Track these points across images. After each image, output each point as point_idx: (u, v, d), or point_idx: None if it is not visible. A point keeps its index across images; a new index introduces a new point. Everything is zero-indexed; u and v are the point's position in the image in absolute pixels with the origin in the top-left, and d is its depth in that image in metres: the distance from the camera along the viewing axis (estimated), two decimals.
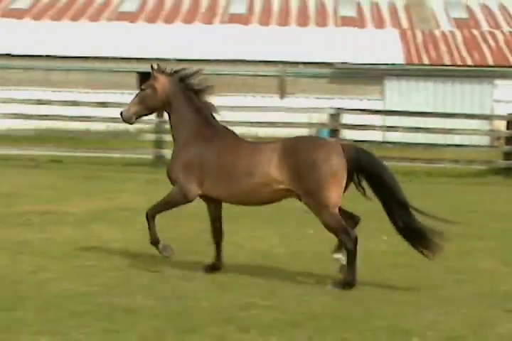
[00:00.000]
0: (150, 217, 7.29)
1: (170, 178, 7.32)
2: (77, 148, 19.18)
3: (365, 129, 18.88)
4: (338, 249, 6.98)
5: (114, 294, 6.39)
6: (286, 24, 35.06)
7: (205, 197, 7.31)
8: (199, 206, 7.60)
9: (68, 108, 20.51)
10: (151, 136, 19.27)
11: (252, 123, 19.97)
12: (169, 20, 35.61)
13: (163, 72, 7.50)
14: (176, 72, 7.48)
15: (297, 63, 31.41)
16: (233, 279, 7.09)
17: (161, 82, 7.43)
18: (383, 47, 32.00)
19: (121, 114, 7.55)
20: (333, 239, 7.05)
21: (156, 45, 32.27)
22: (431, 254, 6.91)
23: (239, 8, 36.36)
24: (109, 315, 5.75)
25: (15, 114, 19.45)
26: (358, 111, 20.44)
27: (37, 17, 35.31)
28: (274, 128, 21.44)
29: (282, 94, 31.28)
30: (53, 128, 22.31)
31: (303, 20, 35.34)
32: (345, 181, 6.84)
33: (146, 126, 20.23)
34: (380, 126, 21.39)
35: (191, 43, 32.48)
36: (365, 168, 6.91)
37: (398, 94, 30.89)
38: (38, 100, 21.54)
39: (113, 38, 32.95)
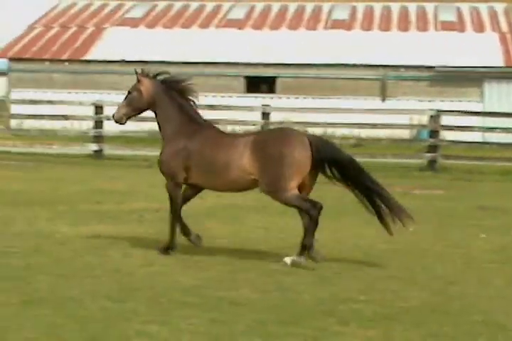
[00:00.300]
0: (174, 221, 8.05)
1: (161, 171, 8.13)
2: None
3: (464, 130, 19.00)
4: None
5: (220, 287, 6.61)
6: (388, 29, 34.96)
7: (191, 185, 8.03)
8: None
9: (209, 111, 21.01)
10: None
11: (354, 125, 20.19)
12: (275, 26, 35.95)
13: (147, 75, 8.15)
14: (157, 74, 8.18)
15: (398, 67, 31.43)
16: (334, 274, 7.23)
17: (146, 85, 8.11)
18: (483, 50, 31.79)
19: (113, 116, 8.39)
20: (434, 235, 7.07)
21: (262, 50, 32.68)
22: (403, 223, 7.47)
23: (341, 14, 36.46)
24: (216, 307, 5.96)
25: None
26: (458, 113, 20.41)
27: (150, 25, 36.27)
28: (376, 130, 21.57)
29: (384, 96, 31.31)
30: None
31: (404, 25, 35.21)
32: (308, 170, 7.43)
33: (253, 128, 20.54)
34: (479, 127, 21.31)
35: (296, 48, 32.78)
36: (330, 158, 7.49)
37: (497, 96, 30.54)
38: None
39: (221, 44, 33.53)
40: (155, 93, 8.13)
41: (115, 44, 34.01)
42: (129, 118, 8.32)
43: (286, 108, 23.56)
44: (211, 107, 19.70)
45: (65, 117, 20.76)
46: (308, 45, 33.04)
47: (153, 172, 16.43)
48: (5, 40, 36.19)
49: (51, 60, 33.55)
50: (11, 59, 34.01)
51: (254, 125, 20.23)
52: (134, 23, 36.39)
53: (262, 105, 20.35)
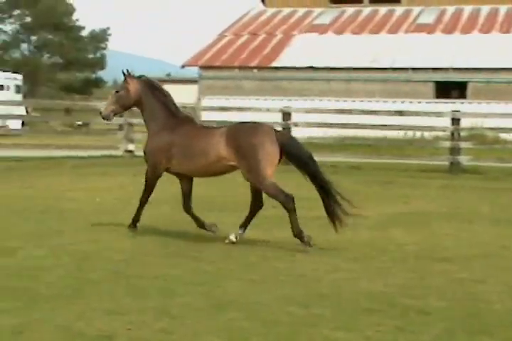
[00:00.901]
0: (142, 202, 9.12)
1: (145, 160, 9.11)
2: (375, 155, 19.54)
3: None
4: (244, 226, 8.78)
5: (407, 295, 6.49)
6: None
7: (176, 174, 9.04)
8: None
9: (367, 117, 20.91)
10: (447, 144, 19.14)
11: None
12: (466, 30, 35.08)
13: (133, 76, 9.22)
14: (141, 76, 9.28)
15: None
16: None
17: (133, 85, 9.12)
18: None
19: (100, 113, 9.36)
20: None
21: (452, 54, 31.97)
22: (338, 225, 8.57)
23: None
24: (403, 315, 5.85)
25: (317, 122, 20.24)
26: None
27: (339, 31, 36.38)
28: None
29: None
30: (352, 136, 22.88)
31: None
32: (277, 160, 8.48)
33: (442, 134, 20.19)
34: None
35: (488, 52, 31.88)
36: (292, 150, 8.55)
37: None
38: (339, 109, 22.15)
39: (410, 49, 33.10)
40: (141, 92, 9.15)
41: (303, 51, 34.38)
42: (115, 115, 9.37)
43: (477, 113, 22.94)
44: (399, 113, 19.55)
45: None
46: (501, 48, 32.00)
47: (339, 178, 16.54)
48: (196, 48, 37.45)
49: (240, 68, 34.37)
50: (202, 67, 35.14)
51: (443, 131, 19.84)
52: (322, 29, 36.65)
53: (452, 111, 19.91)
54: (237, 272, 7.29)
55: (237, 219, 9.05)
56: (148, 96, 9.15)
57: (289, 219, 8.41)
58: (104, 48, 68.30)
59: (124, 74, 9.23)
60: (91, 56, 67.62)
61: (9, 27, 67.05)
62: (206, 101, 32.80)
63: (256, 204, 8.83)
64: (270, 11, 39.97)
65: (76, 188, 13.57)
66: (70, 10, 67.14)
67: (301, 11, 39.16)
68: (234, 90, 33.75)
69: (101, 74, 70.15)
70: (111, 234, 9.10)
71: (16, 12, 66.65)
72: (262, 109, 22.87)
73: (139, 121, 20.93)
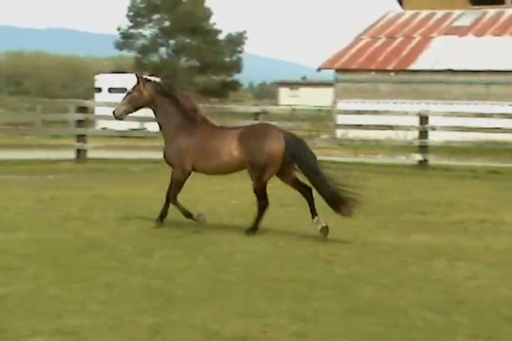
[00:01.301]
0: (173, 201, 9.69)
1: (168, 162, 9.78)
2: None
3: None
4: (313, 213, 9.20)
5: None
6: None
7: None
8: None
9: (507, 120, 20.28)
10: None
11: None
12: None
13: (146, 79, 9.91)
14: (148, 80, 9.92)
15: None
16: None
17: (145, 86, 9.77)
18: None
19: (113, 112, 9.91)
20: None
21: None
22: (346, 213, 9.11)
23: None
24: None
25: (455, 126, 19.80)
26: None
27: (479, 33, 35.48)
28: None
29: None
30: (492, 141, 22.26)
31: None
32: (281, 160, 9.19)
33: None
34: None
35: None
36: (297, 151, 9.19)
37: None
38: (479, 113, 21.57)
39: None
40: (153, 93, 9.78)
41: (442, 53, 33.72)
42: (126, 114, 9.95)
43: None
44: None
45: (391, 127, 20.92)
46: None
47: (478, 183, 16.23)
48: (332, 51, 37.36)
49: (377, 71, 34.06)
50: (338, 70, 35.02)
51: None
52: (461, 31, 35.85)
53: None
54: (372, 276, 7.20)
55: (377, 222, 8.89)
56: (161, 98, 9.78)
57: (256, 211, 9.34)
58: (241, 52, 69.17)
59: (137, 76, 9.88)
60: (227, 59, 68.63)
61: (148, 31, 68.95)
62: (342, 105, 32.67)
63: (305, 193, 9.41)
64: (408, 13, 39.45)
65: (213, 190, 13.76)
66: (208, 14, 68.42)
67: (440, 13, 38.45)
68: (370, 93, 33.47)
69: (237, 77, 71.11)
70: (246, 236, 9.17)
71: (155, 16, 68.46)
72: (399, 112, 22.58)
73: (274, 124, 21.15)
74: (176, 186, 9.73)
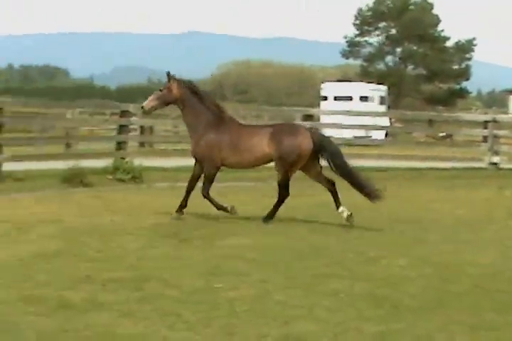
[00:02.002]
0: (206, 194, 10.44)
1: (197, 158, 10.49)
2: None
3: None
4: (338, 204, 10.39)
5: None
6: None
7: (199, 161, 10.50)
8: None
9: None
10: None
11: None
12: None
13: (176, 78, 10.54)
14: (183, 80, 10.61)
15: None
16: None
17: (175, 85, 10.45)
18: None
19: (142, 107, 10.71)
20: None
21: None
22: (374, 199, 10.44)
23: None
24: None
25: None
26: None
27: None
28: None
29: None
30: None
31: None
32: (308, 157, 10.20)
33: None
34: None
35: None
36: (325, 147, 10.30)
37: None
38: None
39: None
40: (182, 92, 10.45)
41: None
42: (155, 110, 10.72)
43: None
44: None
45: None
46: None
47: None
48: None
49: None
50: None
51: None
52: None
53: None
54: None
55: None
56: (190, 96, 10.49)
57: (274, 204, 10.30)
58: (470, 59, 67.41)
59: (167, 75, 10.58)
60: (455, 67, 67.11)
61: (375, 39, 68.93)
62: None
63: (328, 185, 10.47)
64: None
65: (438, 199, 13.49)
66: (436, 21, 67.28)
67: None
68: None
69: (465, 84, 69.33)
70: (472, 246, 8.90)
71: (382, 24, 68.29)
72: None
73: (504, 132, 20.43)
74: (207, 179, 10.46)
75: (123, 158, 16.03)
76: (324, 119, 27.39)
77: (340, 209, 10.34)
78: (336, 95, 38.23)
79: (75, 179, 14.24)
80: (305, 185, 13.75)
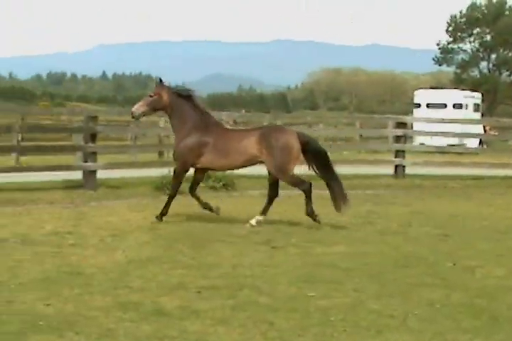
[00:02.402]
0: (171, 195, 10.80)
1: (175, 159, 10.91)
2: None
3: None
4: (264, 212, 10.63)
5: None
6: None
7: (198, 169, 10.91)
8: None
9: None
10: None
11: None
12: None
13: (165, 85, 10.90)
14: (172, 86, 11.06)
15: None
16: None
17: (165, 91, 10.80)
18: None
19: (132, 112, 10.85)
20: None
21: None
22: (339, 206, 10.62)
23: None
24: None
25: None
26: None
27: None
28: None
29: None
30: None
31: None
32: (300, 157, 10.51)
33: None
34: None
35: None
36: (311, 147, 10.62)
37: None
38: None
39: None
40: (171, 98, 10.78)
41: None
42: (144, 115, 11.04)
43: None
44: None
45: None
46: None
47: None
48: None
49: None
50: None
51: None
52: None
53: None
54: None
55: None
56: (178, 101, 10.79)
57: (305, 200, 10.46)
58: None
59: (157, 81, 11.00)
60: None
61: (468, 46, 67.83)
62: None
63: (272, 194, 10.67)
64: None
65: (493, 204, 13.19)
66: None
67: None
68: None
69: None
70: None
71: (476, 30, 67.16)
72: None
73: None
74: (175, 181, 10.82)
75: None
76: (417, 127, 27.06)
77: (262, 217, 10.58)
78: (429, 102, 37.69)
79: (167, 186, 14.42)
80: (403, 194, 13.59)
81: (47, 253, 8.26)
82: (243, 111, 35.30)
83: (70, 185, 14.82)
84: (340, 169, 18.36)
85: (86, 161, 15.01)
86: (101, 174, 15.01)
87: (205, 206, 10.92)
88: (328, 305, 6.36)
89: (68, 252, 8.39)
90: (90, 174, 14.84)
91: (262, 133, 10.56)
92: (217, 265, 7.85)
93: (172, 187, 10.97)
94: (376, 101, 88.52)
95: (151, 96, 10.94)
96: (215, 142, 10.65)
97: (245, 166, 10.99)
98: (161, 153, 24.48)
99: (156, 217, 10.70)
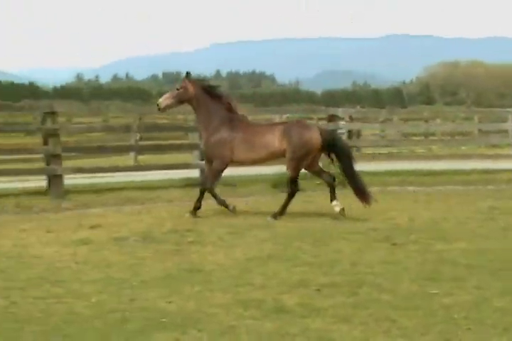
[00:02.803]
0: (211, 189, 11.11)
1: (208, 155, 11.11)
2: None
3: None
4: (333, 198, 10.88)
5: None
6: None
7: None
8: None
9: None
10: None
11: None
12: None
13: (192, 78, 11.12)
14: (198, 80, 11.28)
15: None
16: None
17: (191, 85, 11.04)
18: None
19: (157, 104, 11.13)
20: None
21: None
22: (365, 203, 10.86)
23: None
24: None
25: None
26: None
27: None
28: None
29: None
30: None
31: None
32: (316, 152, 10.84)
33: None
34: None
35: None
36: (334, 144, 10.87)
37: None
38: None
39: None
40: (198, 92, 11.02)
41: None
42: (170, 108, 11.24)
43: None
44: None
45: None
46: None
47: None
48: None
49: None
50: None
51: None
52: None
53: None
54: None
55: None
56: (204, 96, 11.01)
57: (285, 199, 10.82)
58: None
59: (186, 74, 11.13)
60: None
61: None
62: None
63: (327, 179, 11.04)
64: None
65: None
66: None
67: None
68: None
69: None
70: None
71: None
72: None
73: None
74: (213, 176, 11.08)
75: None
76: None
77: (334, 202, 10.87)
78: None
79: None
80: None
81: (167, 251, 8.41)
82: (358, 106, 35.01)
83: (188, 183, 15.06)
84: (458, 164, 18.26)
85: (203, 159, 15.20)
86: None
87: (222, 203, 11.21)
88: (451, 302, 6.21)
89: (188, 250, 8.52)
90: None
91: (286, 128, 10.85)
92: (337, 262, 7.80)
93: (209, 183, 11.17)
94: (495, 94, 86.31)
95: (177, 89, 11.18)
96: (243, 136, 10.93)
97: (270, 160, 11.23)
98: None
99: (190, 213, 11.04)
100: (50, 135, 13.29)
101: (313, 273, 7.30)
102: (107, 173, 15.70)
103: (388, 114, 27.75)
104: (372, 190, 13.99)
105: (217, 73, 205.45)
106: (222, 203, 11.21)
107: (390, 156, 21.55)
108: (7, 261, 7.92)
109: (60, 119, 16.74)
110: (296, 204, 11.21)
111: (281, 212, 10.81)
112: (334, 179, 11.09)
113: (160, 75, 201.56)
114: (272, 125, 11.50)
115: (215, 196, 11.25)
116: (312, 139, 10.75)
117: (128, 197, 13.35)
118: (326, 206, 11.28)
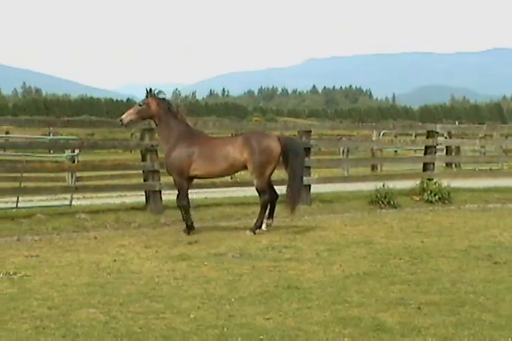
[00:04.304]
0: (182, 206, 11.30)
1: (169, 171, 11.31)
2: None
3: None
4: (270, 216, 11.40)
5: None
6: None
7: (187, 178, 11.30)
8: None
9: None
10: None
11: None
12: None
13: (154, 95, 11.36)
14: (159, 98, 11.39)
15: None
16: None
17: (154, 101, 11.32)
18: None
19: (121, 120, 11.30)
20: None
21: None
22: (289, 209, 11.29)
23: None
24: None
25: None
26: None
27: None
28: None
29: None
30: None
31: None
32: (279, 159, 11.14)
33: None
34: None
35: None
36: (291, 147, 11.25)
37: None
38: None
39: None
40: (160, 108, 11.29)
41: None
42: (133, 123, 11.55)
43: None
44: None
45: None
46: None
47: None
48: None
49: None
50: None
51: None
52: None
53: None
54: None
55: None
56: (166, 112, 11.26)
57: (259, 211, 11.22)
58: None
59: (147, 91, 11.38)
60: None
61: None
62: None
63: (271, 195, 11.23)
64: None
65: None
66: None
67: None
68: None
69: None
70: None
71: None
72: None
73: None
74: (180, 192, 11.23)
75: (430, 179, 15.82)
76: None
77: (268, 221, 11.28)
78: None
79: (382, 200, 14.31)
80: None
81: (264, 268, 8.40)
82: (456, 122, 34.43)
83: (281, 200, 15.02)
84: None
85: None
86: (314, 188, 15.10)
87: (187, 221, 11.24)
88: None
89: (285, 266, 8.48)
90: (304, 188, 14.97)
91: (245, 138, 11.12)
92: (436, 280, 7.64)
93: (181, 201, 11.32)
94: None
95: (140, 105, 11.45)
96: (201, 150, 11.14)
97: (232, 172, 11.64)
98: (373, 167, 24.38)
99: (184, 231, 11.16)
100: (148, 151, 13.48)
101: (412, 291, 7.17)
102: (204, 189, 15.83)
103: (488, 129, 27.15)
104: (473, 206, 13.76)
105: (314, 89, 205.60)
106: (188, 221, 11.28)
107: (491, 173, 21.08)
108: (107, 276, 8.03)
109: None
110: (395, 221, 11.04)
111: (258, 224, 11.16)
112: (277, 197, 11.40)
113: (256, 91, 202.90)
114: (231, 137, 11.92)
115: (186, 212, 11.32)
116: (271, 146, 11.04)
117: (224, 212, 13.42)
118: (424, 223, 11.09)
